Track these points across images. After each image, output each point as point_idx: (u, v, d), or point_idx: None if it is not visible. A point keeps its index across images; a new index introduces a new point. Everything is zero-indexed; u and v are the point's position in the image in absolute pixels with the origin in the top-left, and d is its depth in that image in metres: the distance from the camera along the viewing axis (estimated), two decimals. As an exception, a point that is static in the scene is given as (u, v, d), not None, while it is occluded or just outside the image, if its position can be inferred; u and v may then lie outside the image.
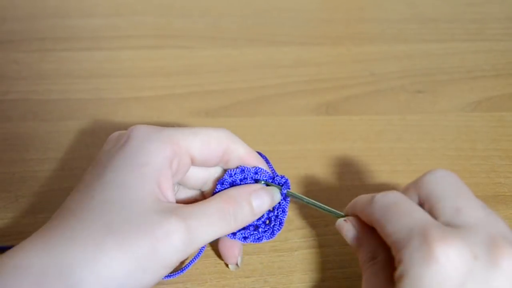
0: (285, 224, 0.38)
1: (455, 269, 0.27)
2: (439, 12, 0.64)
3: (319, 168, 0.47)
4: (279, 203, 0.37)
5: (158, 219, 0.30)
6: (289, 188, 0.37)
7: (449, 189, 0.32)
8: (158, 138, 0.33)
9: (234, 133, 0.37)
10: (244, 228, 0.36)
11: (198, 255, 0.37)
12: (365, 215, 0.33)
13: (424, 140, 0.49)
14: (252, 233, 0.37)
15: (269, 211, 0.37)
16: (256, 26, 0.61)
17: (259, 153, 0.38)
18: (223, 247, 0.38)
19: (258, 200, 0.35)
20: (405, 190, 0.34)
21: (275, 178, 0.37)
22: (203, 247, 0.38)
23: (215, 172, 0.37)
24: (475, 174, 0.46)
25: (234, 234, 0.36)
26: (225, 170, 0.36)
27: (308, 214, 0.43)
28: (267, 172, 0.37)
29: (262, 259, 0.40)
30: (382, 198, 0.32)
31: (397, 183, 0.45)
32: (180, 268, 0.37)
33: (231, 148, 0.35)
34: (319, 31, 0.61)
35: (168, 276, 0.37)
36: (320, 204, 0.36)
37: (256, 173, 0.36)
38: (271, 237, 0.37)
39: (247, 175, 0.36)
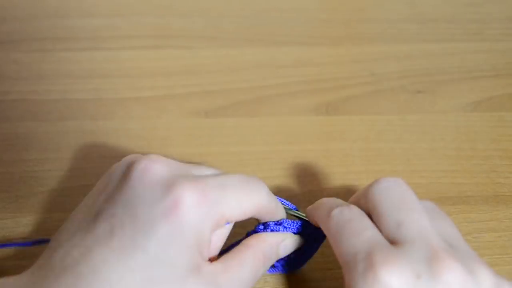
0: None
1: None
2: (439, 12, 0.64)
3: (319, 168, 0.46)
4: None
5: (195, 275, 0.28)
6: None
7: (392, 201, 0.31)
8: (207, 213, 0.29)
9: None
10: None
11: None
12: (323, 229, 0.33)
13: (424, 140, 0.49)
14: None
15: None
16: (256, 26, 0.61)
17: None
18: None
19: (284, 249, 0.35)
20: (356, 200, 0.34)
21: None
22: None
23: None
24: (475, 174, 0.46)
25: None
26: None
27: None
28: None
29: (262, 259, 0.40)
30: (339, 214, 0.32)
31: (397, 183, 0.45)
32: None
33: (265, 210, 0.34)
34: (319, 31, 0.61)
35: None
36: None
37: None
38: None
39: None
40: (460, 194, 0.45)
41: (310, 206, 0.36)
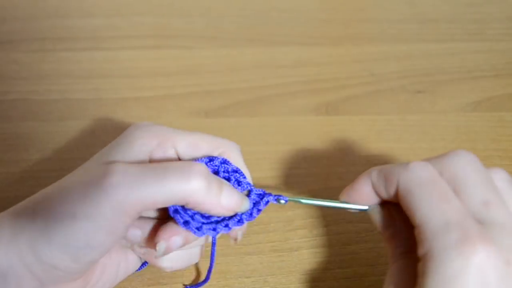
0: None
1: (491, 274, 0.26)
2: (439, 12, 0.64)
3: (319, 168, 0.47)
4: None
5: (102, 165, 0.31)
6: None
7: (477, 177, 0.30)
8: (144, 128, 0.33)
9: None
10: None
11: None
12: (392, 184, 0.31)
13: (424, 140, 0.49)
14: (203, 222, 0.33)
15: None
16: (256, 26, 0.61)
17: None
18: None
19: (227, 193, 0.32)
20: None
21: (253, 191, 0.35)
22: (214, 246, 0.35)
23: None
24: (475, 174, 0.46)
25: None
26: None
27: (308, 214, 0.43)
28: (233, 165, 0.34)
29: (262, 259, 0.40)
30: (421, 169, 0.30)
31: (397, 183, 0.45)
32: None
33: (225, 156, 0.34)
34: (319, 31, 0.61)
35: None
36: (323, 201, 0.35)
37: (223, 162, 0.34)
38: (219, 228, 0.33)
39: (222, 168, 0.34)
40: (460, 194, 0.45)
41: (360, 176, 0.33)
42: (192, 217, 0.32)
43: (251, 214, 0.34)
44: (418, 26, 0.62)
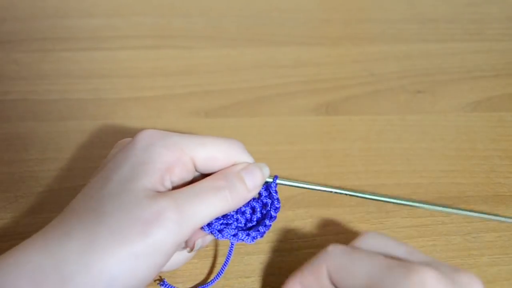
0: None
1: None
2: (439, 12, 0.64)
3: (319, 168, 0.46)
4: (267, 206, 0.36)
5: (148, 203, 0.30)
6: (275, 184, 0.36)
7: (390, 239, 0.33)
8: (163, 143, 0.33)
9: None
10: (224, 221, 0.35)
11: (227, 260, 0.37)
12: (319, 272, 0.32)
13: (424, 140, 0.49)
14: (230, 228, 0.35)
15: (254, 212, 0.36)
16: (255, 26, 0.61)
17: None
18: None
19: (249, 175, 0.34)
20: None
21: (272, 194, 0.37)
22: (231, 251, 0.37)
23: None
24: (475, 174, 0.46)
25: (210, 224, 0.34)
26: None
27: (308, 214, 0.43)
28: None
29: (262, 259, 0.40)
30: (338, 247, 0.32)
31: (397, 183, 0.45)
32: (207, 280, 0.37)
33: (237, 162, 0.35)
34: (319, 31, 0.61)
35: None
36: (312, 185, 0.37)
37: (265, 189, 0.37)
38: (252, 237, 0.35)
39: None
40: (460, 194, 0.45)
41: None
42: (224, 224, 0.35)
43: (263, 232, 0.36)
44: (418, 26, 0.62)
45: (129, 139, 0.35)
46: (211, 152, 0.34)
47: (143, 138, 0.33)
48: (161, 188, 0.32)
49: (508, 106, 0.53)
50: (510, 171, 0.47)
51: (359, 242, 0.33)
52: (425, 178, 0.46)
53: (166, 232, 0.29)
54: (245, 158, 0.35)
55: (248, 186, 0.34)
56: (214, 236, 0.34)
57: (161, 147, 0.33)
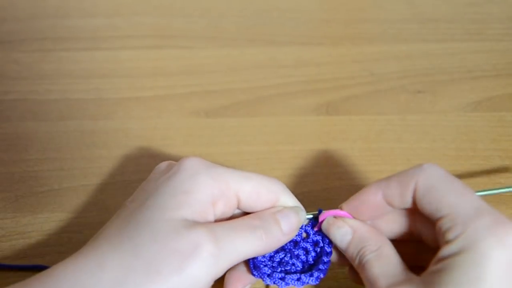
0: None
1: None
2: (439, 12, 0.64)
3: (319, 168, 0.46)
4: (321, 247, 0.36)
5: (186, 233, 0.29)
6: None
7: (458, 183, 0.32)
8: (208, 173, 0.32)
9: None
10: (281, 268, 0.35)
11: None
12: (408, 188, 0.31)
13: (424, 140, 0.49)
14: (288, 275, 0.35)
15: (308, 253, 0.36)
16: (256, 26, 0.61)
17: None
18: (229, 277, 0.35)
19: (285, 218, 0.33)
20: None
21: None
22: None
23: None
24: (475, 174, 0.46)
25: (270, 275, 0.34)
26: None
27: (308, 214, 0.43)
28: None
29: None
30: (437, 167, 0.32)
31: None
32: None
33: (280, 201, 0.34)
34: (319, 31, 0.61)
35: None
36: None
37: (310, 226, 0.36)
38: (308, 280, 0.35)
39: None
40: (460, 194, 0.45)
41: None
42: (283, 272, 0.35)
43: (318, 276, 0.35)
44: (418, 26, 0.62)
45: (171, 163, 0.34)
46: (256, 187, 0.33)
47: (189, 166, 0.32)
48: (202, 221, 0.31)
49: (508, 106, 0.53)
50: (510, 171, 0.47)
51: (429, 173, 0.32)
52: (425, 178, 0.46)
53: (202, 265, 0.29)
54: (287, 196, 0.35)
55: (283, 230, 0.33)
56: (278, 286, 0.34)
57: (207, 177, 0.32)
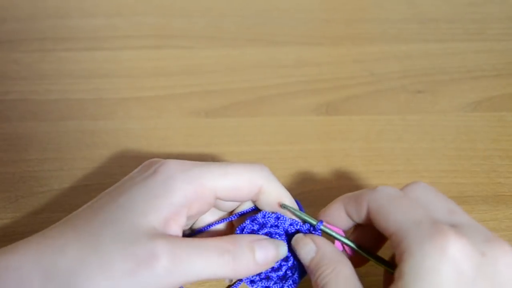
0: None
1: (467, 264, 0.28)
2: (439, 12, 0.64)
3: (319, 168, 0.46)
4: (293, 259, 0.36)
5: (146, 241, 0.29)
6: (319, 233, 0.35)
7: (437, 195, 0.33)
8: (183, 178, 0.32)
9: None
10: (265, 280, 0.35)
11: None
12: (362, 206, 0.32)
13: (424, 140, 0.49)
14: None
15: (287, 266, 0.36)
16: (256, 26, 0.61)
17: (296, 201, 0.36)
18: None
19: (262, 250, 0.33)
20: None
21: (303, 224, 0.35)
22: None
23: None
24: (475, 174, 0.46)
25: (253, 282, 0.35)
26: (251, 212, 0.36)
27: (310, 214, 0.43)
28: (289, 220, 0.35)
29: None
30: (388, 188, 0.33)
31: (397, 183, 0.45)
32: None
33: (263, 189, 0.34)
34: (319, 31, 0.61)
35: None
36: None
37: (277, 218, 0.35)
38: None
39: (268, 221, 0.35)
40: (460, 194, 0.45)
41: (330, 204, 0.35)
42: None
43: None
44: (418, 26, 0.62)
45: (155, 160, 0.34)
46: (233, 182, 0.33)
47: (165, 169, 0.32)
48: (172, 224, 0.31)
49: (508, 106, 0.53)
50: (510, 171, 0.47)
51: (408, 189, 0.33)
52: (425, 178, 0.46)
53: (153, 275, 0.28)
54: (271, 184, 0.34)
55: (257, 259, 0.32)
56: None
57: (181, 181, 0.32)
